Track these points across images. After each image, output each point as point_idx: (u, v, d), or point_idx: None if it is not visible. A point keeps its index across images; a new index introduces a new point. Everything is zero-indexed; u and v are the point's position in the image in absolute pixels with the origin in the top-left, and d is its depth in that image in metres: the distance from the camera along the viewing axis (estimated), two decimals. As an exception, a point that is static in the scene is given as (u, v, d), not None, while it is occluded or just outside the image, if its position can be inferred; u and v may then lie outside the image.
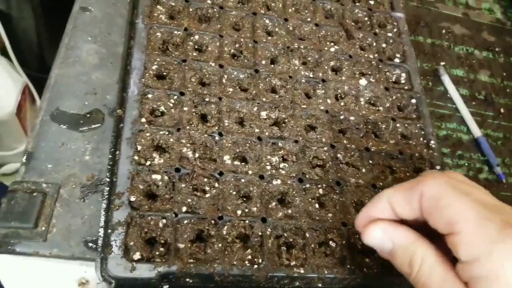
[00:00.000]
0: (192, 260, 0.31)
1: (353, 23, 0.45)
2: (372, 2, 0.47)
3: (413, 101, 0.43)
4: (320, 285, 0.33)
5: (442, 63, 0.53)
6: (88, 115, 0.39)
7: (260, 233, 0.33)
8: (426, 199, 0.25)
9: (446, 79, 0.51)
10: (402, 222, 0.28)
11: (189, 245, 0.31)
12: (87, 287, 0.33)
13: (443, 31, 0.55)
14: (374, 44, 0.44)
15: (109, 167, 0.34)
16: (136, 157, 0.33)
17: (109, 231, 0.30)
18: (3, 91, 0.87)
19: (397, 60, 0.44)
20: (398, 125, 0.41)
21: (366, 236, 0.28)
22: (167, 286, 0.30)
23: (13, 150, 0.94)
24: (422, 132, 0.41)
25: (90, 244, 0.34)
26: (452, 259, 0.25)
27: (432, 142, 0.41)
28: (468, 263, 0.23)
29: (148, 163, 0.33)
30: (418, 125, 0.41)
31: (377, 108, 0.41)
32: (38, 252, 0.33)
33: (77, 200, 0.36)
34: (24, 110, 0.93)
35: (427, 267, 0.25)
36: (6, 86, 0.88)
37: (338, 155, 0.37)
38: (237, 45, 0.40)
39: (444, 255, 0.25)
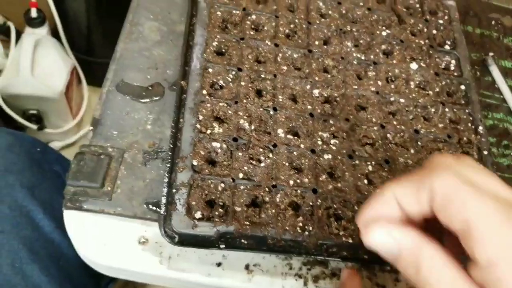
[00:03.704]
0: (247, 223, 0.33)
1: (404, 9, 0.46)
2: (424, -11, 0.48)
3: (462, 87, 0.43)
4: (366, 256, 0.34)
5: (491, 54, 0.52)
6: (150, 88, 0.42)
7: (311, 203, 0.34)
8: (438, 196, 0.23)
9: (494, 70, 0.51)
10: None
11: (245, 209, 0.33)
12: (146, 246, 0.36)
13: (493, 22, 0.55)
14: (425, 30, 0.45)
15: (171, 133, 0.36)
16: (198, 126, 0.35)
17: (174, 190, 0.32)
18: (54, 70, 0.92)
19: (447, 47, 0.45)
20: (447, 109, 0.41)
21: (368, 238, 0.25)
22: (224, 245, 0.32)
23: (59, 129, 0.99)
24: (471, 118, 0.42)
25: (151, 206, 0.37)
26: (459, 258, 0.23)
27: (480, 128, 0.41)
28: (486, 266, 0.22)
29: (208, 131, 0.35)
30: (466, 110, 0.42)
31: (426, 92, 0.42)
32: (104, 210, 0.36)
33: (139, 164, 0.38)
34: (71, 91, 0.98)
35: (437, 270, 0.23)
36: (57, 66, 0.93)
37: (388, 135, 0.38)
38: (291, 26, 0.42)
39: (453, 255, 0.23)
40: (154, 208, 0.37)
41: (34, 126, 0.92)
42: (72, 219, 0.36)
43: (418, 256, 0.24)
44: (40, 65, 0.90)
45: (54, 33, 0.96)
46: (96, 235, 0.36)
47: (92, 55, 1.01)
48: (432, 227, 0.25)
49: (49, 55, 0.91)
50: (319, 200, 0.35)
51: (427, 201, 0.24)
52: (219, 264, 0.36)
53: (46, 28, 0.92)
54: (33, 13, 0.90)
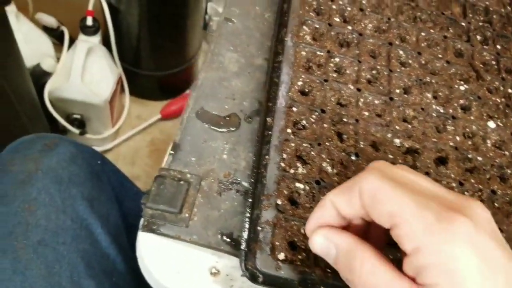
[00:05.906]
0: (329, 270, 0.32)
1: (481, 65, 0.46)
2: (499, 47, 0.48)
3: (536, 150, 0.43)
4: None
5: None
6: (227, 118, 0.42)
7: (391, 257, 0.34)
8: (364, 196, 0.25)
9: (560, 131, 0.51)
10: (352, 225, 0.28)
11: (325, 255, 0.33)
12: (217, 277, 0.36)
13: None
14: (502, 88, 0.45)
15: (253, 168, 0.37)
16: (282, 164, 0.35)
17: (258, 228, 0.33)
18: (102, 78, 0.94)
19: (522, 107, 0.45)
20: (522, 171, 0.41)
21: (311, 244, 0.28)
22: (301, 290, 0.32)
23: (99, 135, 1.00)
24: (544, 183, 0.41)
25: (225, 237, 0.37)
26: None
27: (554, 193, 0.41)
28: (413, 254, 0.23)
29: (292, 171, 0.36)
30: (540, 174, 0.42)
31: (503, 152, 0.42)
32: (180, 236, 0.36)
33: (215, 194, 0.39)
34: (115, 100, 1.00)
35: (367, 270, 0.25)
36: (105, 74, 0.95)
37: (465, 193, 0.38)
38: (373, 72, 0.42)
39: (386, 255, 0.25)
40: (228, 240, 0.37)
41: (76, 131, 0.94)
42: (146, 241, 0.36)
43: (351, 257, 0.26)
44: (89, 72, 0.92)
45: (105, 42, 0.98)
46: (168, 260, 0.36)
47: (138, 67, 1.03)
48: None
49: (99, 63, 0.94)
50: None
51: (359, 203, 0.26)
52: (286, 304, 0.35)
53: (99, 37, 0.95)
54: (89, 21, 0.92)
